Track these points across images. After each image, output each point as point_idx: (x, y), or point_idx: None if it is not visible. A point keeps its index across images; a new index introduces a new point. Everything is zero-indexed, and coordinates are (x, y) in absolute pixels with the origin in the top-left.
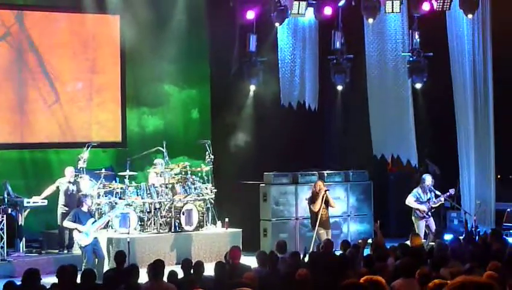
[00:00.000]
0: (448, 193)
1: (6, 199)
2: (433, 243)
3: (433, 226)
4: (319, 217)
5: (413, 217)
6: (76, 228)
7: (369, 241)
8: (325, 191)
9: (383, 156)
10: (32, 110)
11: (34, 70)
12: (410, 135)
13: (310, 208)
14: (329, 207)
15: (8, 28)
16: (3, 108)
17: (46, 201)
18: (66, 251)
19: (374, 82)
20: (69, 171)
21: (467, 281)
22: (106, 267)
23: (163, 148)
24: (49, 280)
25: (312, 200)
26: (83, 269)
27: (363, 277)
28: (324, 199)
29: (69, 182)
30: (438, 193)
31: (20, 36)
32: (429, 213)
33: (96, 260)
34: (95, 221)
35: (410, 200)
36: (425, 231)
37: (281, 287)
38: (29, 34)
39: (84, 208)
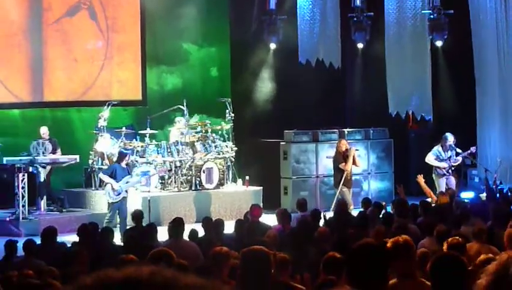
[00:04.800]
0: (469, 151)
1: (33, 158)
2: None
3: (453, 185)
4: (345, 175)
5: (433, 175)
6: (110, 183)
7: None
8: (355, 150)
9: (398, 113)
10: (52, 68)
11: (53, 28)
12: (427, 91)
13: (335, 166)
14: (354, 166)
15: None
16: (23, 67)
17: (77, 157)
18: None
19: (392, 40)
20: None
21: None
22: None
23: (183, 106)
24: (70, 237)
25: (338, 159)
26: (104, 224)
27: (381, 234)
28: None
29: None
30: (459, 150)
31: None
32: (450, 171)
33: (119, 218)
34: (129, 181)
35: (430, 158)
36: (446, 189)
37: (301, 245)
38: None
39: (123, 164)
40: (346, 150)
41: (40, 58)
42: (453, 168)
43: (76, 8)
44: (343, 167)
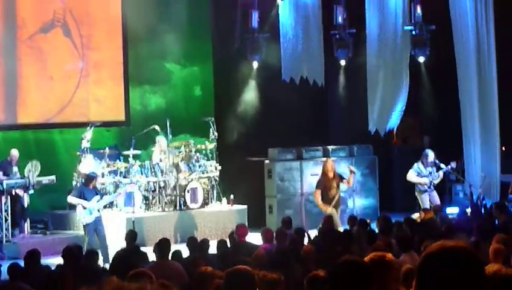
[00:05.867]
0: (449, 167)
1: (29, 180)
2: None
3: (436, 200)
4: (336, 198)
5: (416, 192)
6: (80, 204)
7: None
8: (352, 173)
9: (377, 130)
10: (26, 86)
11: (27, 45)
12: (400, 107)
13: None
14: (347, 185)
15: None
16: None
17: (53, 178)
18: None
19: (373, 57)
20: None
21: (443, 247)
22: (109, 247)
23: (164, 126)
24: (54, 260)
25: (323, 182)
26: (85, 248)
27: (365, 251)
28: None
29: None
30: (442, 165)
31: (13, 13)
32: (431, 187)
33: (98, 239)
34: (100, 199)
35: (411, 175)
36: (430, 205)
37: (287, 264)
38: (21, 11)
39: (90, 186)
40: (335, 174)
41: (14, 75)
42: (434, 184)
43: (50, 26)
44: (346, 184)
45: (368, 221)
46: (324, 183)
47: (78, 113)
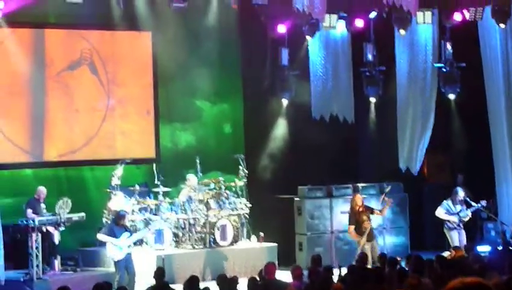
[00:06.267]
0: (479, 205)
1: (60, 217)
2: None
3: (463, 239)
4: (366, 231)
5: (444, 229)
6: (109, 241)
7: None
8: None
9: (408, 168)
10: (53, 119)
11: (54, 80)
12: (424, 144)
13: (351, 222)
14: (380, 214)
15: (31, 44)
16: (24, 118)
17: (83, 215)
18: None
19: (403, 94)
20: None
21: (463, 283)
22: (137, 284)
23: (194, 163)
24: None
25: (354, 216)
26: (115, 285)
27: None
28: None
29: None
30: (473, 203)
31: (42, 52)
32: (460, 225)
33: (128, 276)
34: (130, 236)
35: (440, 212)
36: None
37: None
38: (50, 51)
39: (120, 224)
40: (364, 207)
41: (42, 109)
42: (463, 222)
43: (77, 64)
44: (380, 214)
45: (398, 259)
46: (355, 218)
47: (104, 145)
